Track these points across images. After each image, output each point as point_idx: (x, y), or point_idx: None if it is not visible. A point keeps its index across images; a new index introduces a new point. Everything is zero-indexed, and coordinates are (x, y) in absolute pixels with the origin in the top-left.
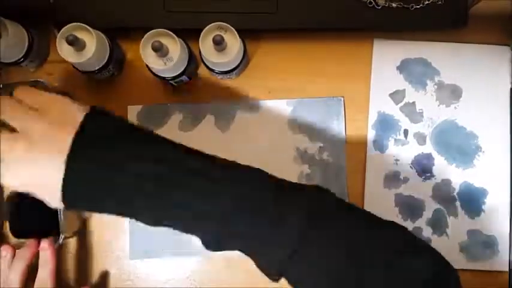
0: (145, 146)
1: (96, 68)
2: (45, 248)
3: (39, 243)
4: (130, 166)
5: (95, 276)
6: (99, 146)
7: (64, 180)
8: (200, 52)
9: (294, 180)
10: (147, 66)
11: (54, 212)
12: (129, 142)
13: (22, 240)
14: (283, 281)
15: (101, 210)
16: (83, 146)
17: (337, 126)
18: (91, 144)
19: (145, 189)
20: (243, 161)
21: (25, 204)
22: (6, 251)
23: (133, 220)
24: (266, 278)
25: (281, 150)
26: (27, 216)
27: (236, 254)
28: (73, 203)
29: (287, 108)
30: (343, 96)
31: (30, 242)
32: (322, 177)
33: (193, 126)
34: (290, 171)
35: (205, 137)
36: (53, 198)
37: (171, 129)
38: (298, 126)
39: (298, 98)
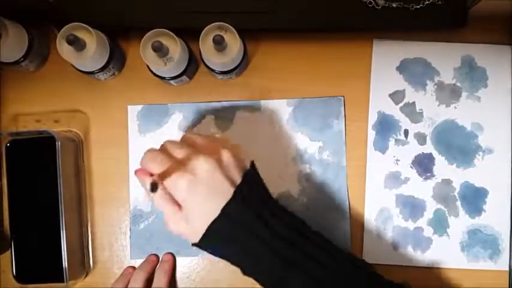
0: (284, 221)
1: (96, 68)
2: (166, 260)
3: (157, 258)
4: (267, 234)
5: (95, 276)
6: (250, 205)
7: (213, 222)
8: (200, 52)
9: (294, 180)
10: (147, 66)
11: (59, 260)
12: (272, 215)
13: (26, 285)
14: None
15: (227, 259)
16: (239, 200)
17: (337, 126)
18: (246, 199)
19: (274, 265)
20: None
21: (30, 251)
22: (128, 271)
23: (133, 220)
24: None
25: (281, 150)
26: (32, 263)
27: None
28: (207, 243)
29: (287, 108)
30: (343, 96)
31: (150, 256)
32: (322, 177)
33: (193, 126)
34: (290, 171)
35: None
36: (194, 233)
37: (171, 129)
38: (298, 126)
39: (298, 98)
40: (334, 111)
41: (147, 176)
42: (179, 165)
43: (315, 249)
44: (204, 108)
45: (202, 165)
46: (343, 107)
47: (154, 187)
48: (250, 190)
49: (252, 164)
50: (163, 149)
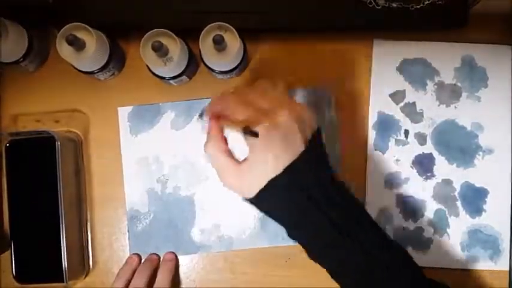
0: (342, 196)
1: (96, 68)
2: (169, 259)
3: (158, 257)
4: (324, 206)
5: (95, 276)
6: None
7: (275, 177)
8: (200, 52)
9: None
10: (147, 66)
11: (58, 260)
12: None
13: (25, 285)
14: (284, 281)
15: (278, 219)
16: (305, 161)
17: (328, 114)
18: (311, 161)
19: (325, 231)
20: (238, 156)
21: (30, 251)
22: (132, 259)
23: (133, 220)
24: (265, 278)
25: None
26: (31, 263)
27: (236, 254)
28: (262, 199)
29: None
30: (333, 86)
31: (151, 255)
32: None
33: (185, 124)
34: None
35: (199, 134)
36: (250, 187)
37: (164, 128)
38: None
39: (288, 89)
40: (324, 100)
41: (215, 119)
42: (262, 114)
43: (367, 225)
44: (196, 105)
45: (284, 114)
46: (332, 95)
47: (253, 133)
48: (316, 153)
49: (319, 128)
50: (241, 94)
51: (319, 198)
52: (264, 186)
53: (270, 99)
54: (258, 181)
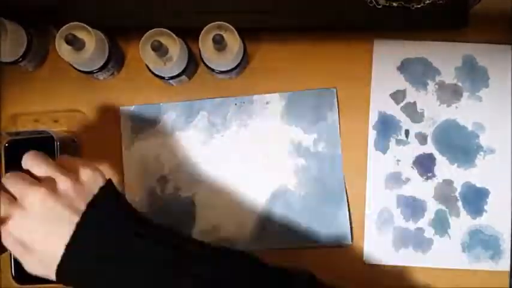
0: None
1: (95, 68)
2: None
3: None
4: (143, 245)
5: None
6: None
7: (60, 265)
8: (200, 52)
9: (291, 173)
10: (146, 66)
11: None
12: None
13: (25, 286)
14: None
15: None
16: (89, 229)
17: (331, 118)
18: (100, 224)
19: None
20: (239, 157)
21: None
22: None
23: None
24: None
25: (276, 144)
26: None
27: None
28: (65, 277)
29: (280, 102)
30: (335, 87)
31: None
32: (319, 169)
33: (187, 124)
34: (286, 164)
35: (200, 135)
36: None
37: (165, 129)
38: (291, 119)
39: (290, 91)
40: (327, 103)
41: None
42: (12, 207)
43: (198, 251)
44: (197, 105)
45: (34, 198)
46: (335, 98)
47: None
48: (101, 212)
49: (105, 185)
50: None
51: (136, 247)
52: (57, 272)
53: (21, 179)
54: (50, 268)
